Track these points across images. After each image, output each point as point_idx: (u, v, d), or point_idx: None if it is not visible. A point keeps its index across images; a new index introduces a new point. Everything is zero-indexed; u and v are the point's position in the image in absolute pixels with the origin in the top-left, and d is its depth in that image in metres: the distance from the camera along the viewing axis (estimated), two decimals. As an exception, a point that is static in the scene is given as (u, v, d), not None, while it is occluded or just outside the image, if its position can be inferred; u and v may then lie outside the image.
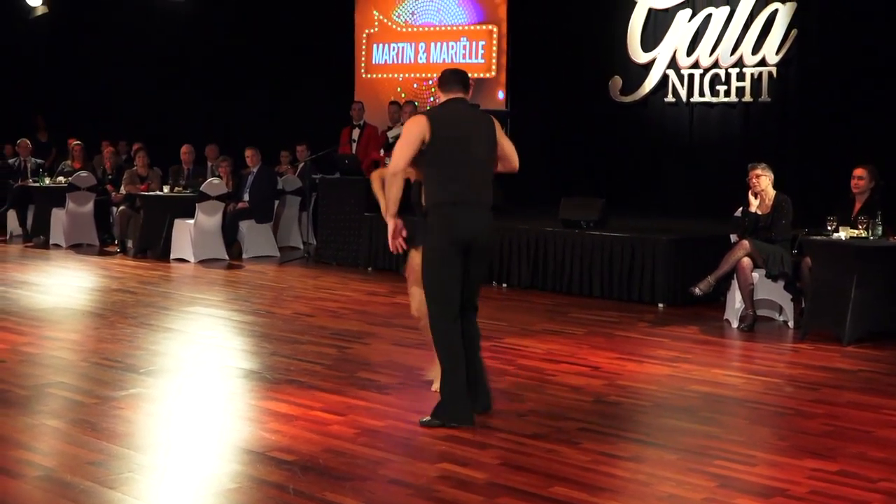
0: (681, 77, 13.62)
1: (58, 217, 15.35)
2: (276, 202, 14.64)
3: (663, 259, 10.57)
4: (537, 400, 6.72)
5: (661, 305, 10.51)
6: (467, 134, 6.24)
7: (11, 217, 16.21)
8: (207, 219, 13.67)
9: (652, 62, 13.84)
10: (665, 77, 13.75)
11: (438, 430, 5.96)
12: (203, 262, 13.42)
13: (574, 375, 7.44)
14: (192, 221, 13.59)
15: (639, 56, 13.95)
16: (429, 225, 6.18)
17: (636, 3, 13.91)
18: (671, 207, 13.39)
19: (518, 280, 11.64)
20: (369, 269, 12.98)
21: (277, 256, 14.16)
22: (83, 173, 15.44)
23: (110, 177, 15.79)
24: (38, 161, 17.21)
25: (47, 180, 15.90)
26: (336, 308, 10.17)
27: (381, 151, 14.54)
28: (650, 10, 13.85)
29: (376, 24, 16.75)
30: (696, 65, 13.49)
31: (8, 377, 7.17)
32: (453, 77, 6.41)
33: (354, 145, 14.72)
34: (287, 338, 8.60)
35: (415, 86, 16.36)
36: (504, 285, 11.74)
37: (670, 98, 13.75)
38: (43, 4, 18.79)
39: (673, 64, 13.69)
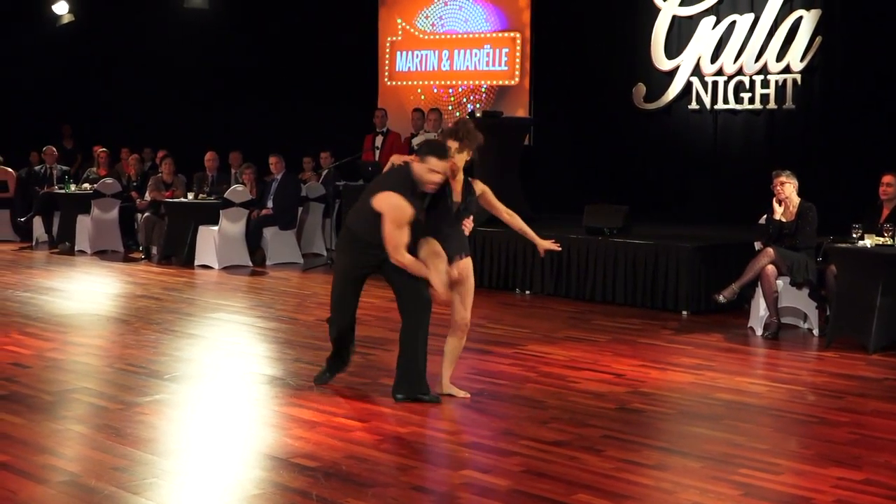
0: (705, 84, 13.60)
1: (83, 224, 15.43)
2: (300, 209, 14.67)
3: (687, 266, 10.54)
4: (560, 407, 6.70)
5: (684, 313, 10.48)
6: None
7: (37, 224, 16.32)
8: (231, 225, 13.72)
9: (676, 69, 13.81)
10: (689, 84, 13.73)
11: (461, 436, 5.96)
12: (227, 269, 13.46)
13: (597, 383, 7.42)
14: (216, 228, 13.64)
15: (662, 63, 13.92)
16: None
17: (660, 10, 13.90)
18: (695, 215, 13.36)
19: (541, 287, 11.63)
20: (392, 275, 12.95)
21: (301, 263, 14.19)
22: (108, 180, 15.53)
23: (135, 184, 15.87)
24: (64, 168, 17.32)
25: (73, 187, 16.00)
26: (359, 315, 10.11)
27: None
28: (674, 17, 13.83)
29: (400, 31, 16.79)
30: (720, 72, 13.46)
31: (33, 383, 7.21)
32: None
33: (378, 152, 14.75)
34: (310, 344, 8.61)
35: (435, 90, 16.37)
36: (527, 292, 11.73)
37: (694, 105, 13.72)
38: (69, 13, 18.91)
39: (697, 71, 13.66)
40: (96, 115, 19.79)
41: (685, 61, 13.73)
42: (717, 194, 13.53)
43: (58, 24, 18.99)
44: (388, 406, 6.67)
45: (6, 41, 19.47)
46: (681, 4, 13.75)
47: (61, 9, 18.85)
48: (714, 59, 13.48)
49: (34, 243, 16.29)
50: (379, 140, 14.87)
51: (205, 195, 14.26)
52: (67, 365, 7.86)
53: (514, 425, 6.26)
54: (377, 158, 14.56)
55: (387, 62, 16.92)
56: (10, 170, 17.08)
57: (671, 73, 13.88)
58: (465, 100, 16.07)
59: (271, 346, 8.70)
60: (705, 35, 13.53)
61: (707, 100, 13.57)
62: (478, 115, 13.69)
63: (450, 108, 16.01)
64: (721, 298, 9.48)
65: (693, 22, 13.69)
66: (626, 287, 10.95)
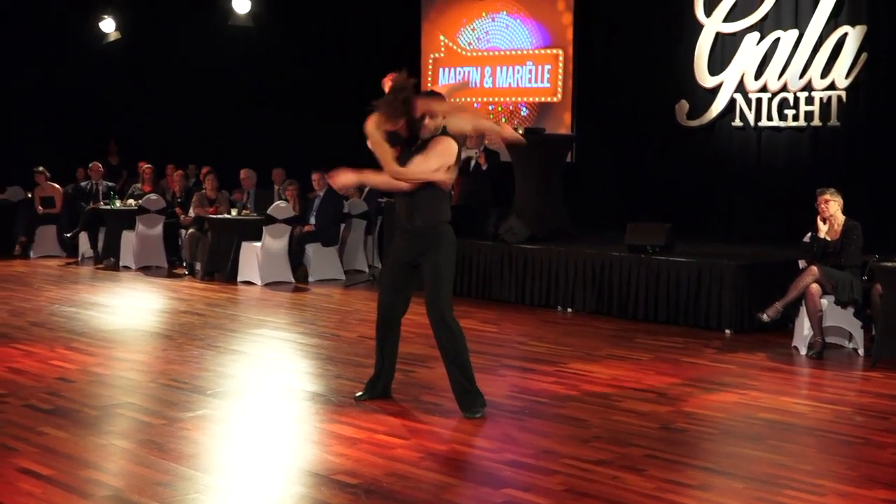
0: (748, 101, 13.53)
1: (128, 239, 15.57)
2: (342, 226, 14.72)
3: (730, 285, 10.47)
4: (602, 426, 6.68)
5: (728, 331, 10.41)
6: None
7: (83, 239, 16.48)
8: (274, 242, 13.78)
9: (719, 86, 13.75)
10: (732, 101, 13.66)
11: (503, 454, 5.95)
12: (269, 285, 13.52)
13: (639, 401, 7.39)
14: (259, 244, 13.72)
15: (706, 80, 13.87)
16: (447, 238, 6.97)
17: (703, 26, 13.85)
18: (738, 232, 13.28)
19: (583, 305, 11.60)
20: (434, 292, 12.97)
21: (343, 280, 14.23)
22: (153, 196, 15.66)
23: (179, 200, 15.99)
24: (110, 184, 17.49)
25: (118, 203, 16.14)
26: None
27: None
28: (717, 33, 13.78)
29: (442, 48, 16.84)
30: (763, 88, 13.39)
31: (78, 397, 7.28)
32: None
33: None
34: (352, 361, 8.63)
35: (477, 107, 16.37)
36: (569, 310, 11.70)
37: (738, 122, 13.65)
38: (115, 30, 19.13)
39: (740, 88, 13.59)
40: (142, 131, 19.99)
41: (729, 78, 13.67)
42: (761, 212, 13.44)
43: (104, 41, 19.21)
44: (429, 423, 6.67)
45: (54, 59, 19.73)
46: (724, 21, 13.69)
47: (108, 26, 19.08)
48: (758, 75, 13.41)
49: (80, 259, 16.45)
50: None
51: (248, 211, 14.35)
52: (112, 380, 7.93)
53: (555, 444, 6.24)
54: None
55: (429, 78, 16.97)
56: (56, 186, 17.26)
57: (714, 90, 13.82)
58: (505, 117, 16.08)
59: (313, 363, 8.73)
60: (749, 52, 13.47)
61: (751, 117, 13.50)
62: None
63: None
64: (765, 317, 9.42)
65: (737, 38, 13.62)
66: (669, 305, 10.90)
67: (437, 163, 6.85)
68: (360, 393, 7.30)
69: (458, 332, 6.92)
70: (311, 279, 14.11)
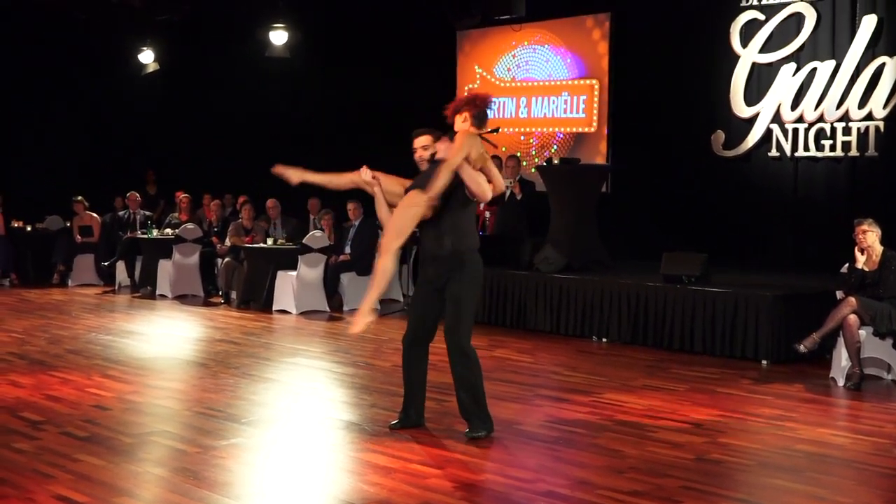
0: (785, 131, 13.46)
1: (164, 268, 15.68)
2: (377, 255, 14.72)
3: (767, 315, 10.40)
4: (637, 457, 6.63)
5: (764, 362, 10.33)
6: None
7: (120, 268, 16.62)
8: (309, 271, 13.84)
9: (755, 116, 13.70)
10: (769, 131, 13.60)
11: (537, 485, 5.92)
12: (304, 314, 13.56)
13: (675, 432, 7.34)
14: (294, 273, 13.77)
15: (742, 110, 13.82)
16: (474, 265, 7.12)
17: (739, 56, 13.81)
18: (775, 263, 13.19)
19: (618, 335, 11.56)
20: (469, 322, 12.96)
21: (378, 309, 14.23)
22: (189, 225, 15.77)
23: (216, 229, 16.10)
24: (147, 213, 17.64)
25: (155, 232, 16.27)
26: (435, 361, 10.13)
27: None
28: (754, 64, 13.73)
29: (478, 78, 16.88)
30: (800, 119, 13.32)
31: (114, 425, 7.31)
32: None
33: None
34: (386, 390, 8.63)
35: (506, 133, 16.40)
36: (604, 340, 11.65)
37: (774, 153, 13.58)
38: (154, 62, 19.32)
39: (777, 118, 13.53)
40: (179, 161, 20.15)
41: (765, 108, 13.61)
42: (798, 242, 13.36)
43: (143, 73, 19.42)
44: (463, 453, 6.66)
45: (93, 90, 19.98)
46: (761, 51, 13.65)
47: (147, 58, 19.28)
48: (795, 106, 13.34)
49: (117, 287, 16.58)
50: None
51: (283, 241, 14.42)
52: (147, 408, 7.97)
53: (590, 474, 6.20)
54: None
55: (464, 109, 16.99)
56: (94, 215, 17.43)
57: (751, 121, 13.76)
58: (538, 148, 16.09)
59: (348, 392, 8.73)
60: (785, 82, 13.42)
61: (787, 147, 13.43)
62: (555, 161, 13.70)
63: (528, 154, 16.02)
64: (802, 348, 9.34)
65: (773, 69, 13.57)
66: (705, 335, 10.84)
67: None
68: (394, 422, 7.33)
69: (474, 359, 7.14)
70: (345, 308, 14.15)
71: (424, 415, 7.39)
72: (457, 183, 7.00)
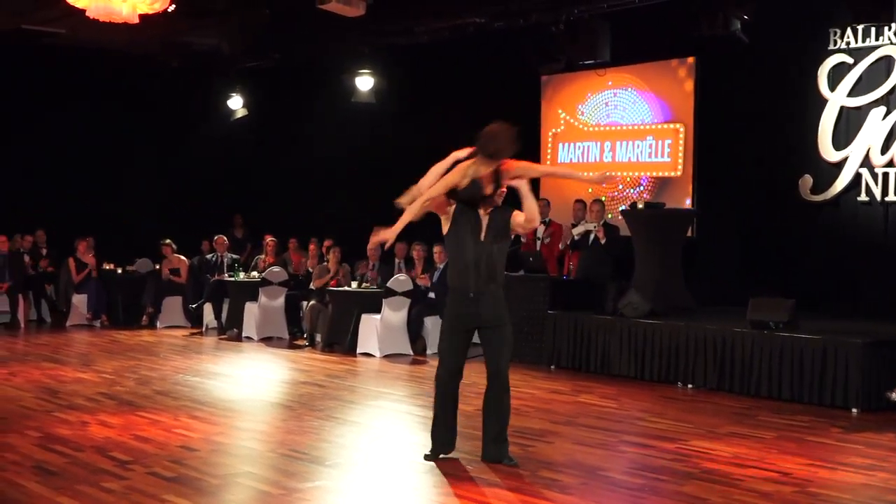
0: (874, 175, 13.26)
1: (250, 311, 15.87)
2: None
3: (857, 362, 10.21)
4: (724, 505, 6.54)
5: (854, 410, 10.14)
6: None
7: (208, 310, 16.85)
8: (393, 314, 13.91)
9: (844, 160, 13.52)
10: (858, 176, 13.41)
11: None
12: (388, 357, 13.62)
13: (763, 481, 7.22)
14: (378, 317, 13.85)
15: (830, 154, 13.65)
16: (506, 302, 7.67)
17: (827, 100, 13.67)
18: (865, 309, 12.96)
19: (703, 381, 11.43)
20: (552, 367, 12.94)
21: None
22: (275, 268, 15.96)
23: (301, 276, 16.29)
24: (234, 256, 17.89)
25: (242, 275, 16.49)
26: (518, 405, 10.14)
27: (561, 246, 14.64)
28: (842, 108, 13.58)
29: (562, 123, 16.91)
30: (890, 163, 13.12)
31: (200, 466, 7.40)
32: None
33: (538, 242, 14.80)
34: (469, 434, 8.60)
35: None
36: (689, 386, 11.53)
37: (863, 197, 13.39)
38: (243, 107, 19.67)
39: (866, 162, 13.35)
40: (266, 205, 20.43)
41: (854, 152, 13.44)
42: (889, 288, 13.10)
43: (232, 118, 19.76)
44: (547, 498, 6.61)
45: (183, 136, 20.36)
46: (849, 95, 13.50)
47: (236, 104, 19.64)
48: (884, 149, 13.15)
49: (204, 329, 16.80)
50: (541, 230, 14.94)
51: (367, 284, 14.52)
52: (233, 449, 8.05)
53: (676, 522, 6.12)
54: (538, 248, 14.62)
55: (549, 153, 17.02)
56: (183, 258, 17.72)
57: (839, 165, 13.59)
58: (622, 192, 16.04)
59: (428, 436, 8.72)
60: (875, 125, 13.24)
61: (877, 191, 13.23)
62: (640, 205, 13.64)
63: (612, 198, 15.98)
64: (894, 396, 9.16)
65: (861, 113, 13.41)
66: (793, 382, 10.67)
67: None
68: (427, 452, 7.72)
69: (509, 389, 7.68)
70: (429, 352, 14.17)
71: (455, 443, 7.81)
72: (502, 221, 7.53)
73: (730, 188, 14.78)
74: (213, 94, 19.86)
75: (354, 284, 14.62)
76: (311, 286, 15.48)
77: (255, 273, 16.51)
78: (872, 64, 13.29)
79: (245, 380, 11.88)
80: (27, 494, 6.52)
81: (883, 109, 13.20)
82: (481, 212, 7.62)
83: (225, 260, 17.62)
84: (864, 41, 13.34)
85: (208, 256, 17.88)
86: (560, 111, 16.93)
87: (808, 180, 13.85)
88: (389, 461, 7.71)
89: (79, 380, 11.43)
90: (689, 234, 14.29)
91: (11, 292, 17.11)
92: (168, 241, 17.68)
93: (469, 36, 15.94)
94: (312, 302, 15.15)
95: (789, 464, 7.80)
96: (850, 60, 13.45)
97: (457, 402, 7.76)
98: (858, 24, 13.20)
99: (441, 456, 7.66)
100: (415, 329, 14.23)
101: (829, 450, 8.42)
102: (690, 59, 15.31)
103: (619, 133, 16.19)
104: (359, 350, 14.02)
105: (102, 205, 19.62)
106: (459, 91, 17.63)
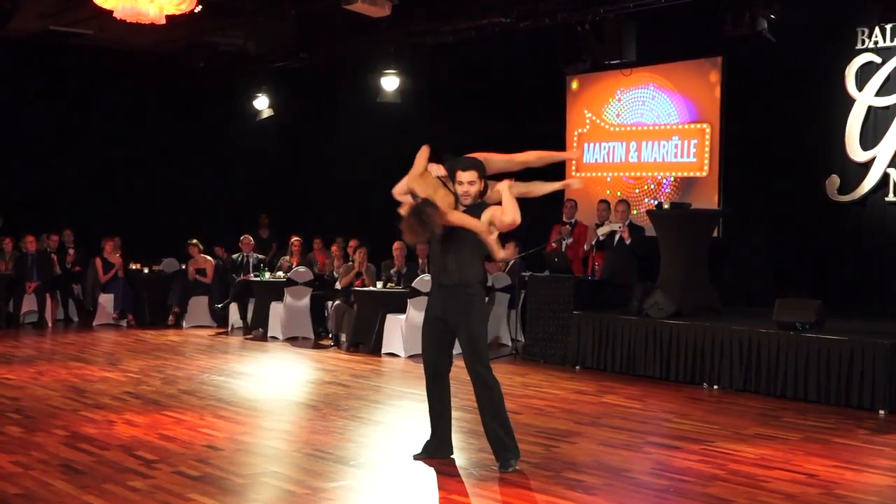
0: (903, 175, 13.19)
1: (276, 310, 15.92)
2: (486, 299, 14.74)
3: (884, 363, 10.14)
4: (749, 507, 6.51)
5: (882, 412, 10.07)
6: None
7: (233, 310, 16.92)
8: (418, 314, 13.89)
9: (871, 161, 13.44)
10: (885, 176, 13.33)
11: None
12: (413, 357, 13.61)
13: (789, 483, 7.18)
14: (403, 317, 13.86)
15: (857, 154, 13.57)
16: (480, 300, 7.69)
17: (855, 100, 13.59)
18: (892, 310, 12.87)
19: (729, 382, 11.38)
20: (577, 367, 12.92)
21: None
22: (301, 268, 16.00)
23: (326, 276, 16.32)
24: (260, 256, 17.94)
25: (267, 275, 16.54)
26: (543, 406, 10.13)
27: (586, 246, 14.62)
28: (870, 107, 13.49)
29: (587, 123, 16.87)
30: (918, 163, 13.05)
31: (226, 465, 7.42)
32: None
33: (564, 243, 14.78)
34: (494, 434, 8.60)
35: (624, 180, 16.33)
36: (715, 387, 11.48)
37: (891, 197, 13.30)
38: (269, 107, 19.74)
39: (894, 162, 13.26)
40: (291, 205, 20.49)
41: (882, 152, 13.35)
42: (917, 289, 13.04)
43: (258, 118, 19.83)
44: (570, 499, 6.60)
45: (209, 136, 20.44)
46: (877, 94, 13.41)
47: (262, 104, 19.71)
48: (913, 150, 13.08)
49: (230, 329, 16.87)
50: (566, 230, 14.93)
51: (393, 284, 14.53)
52: (258, 448, 8.07)
53: (701, 524, 6.10)
54: (563, 249, 14.60)
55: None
56: (209, 258, 17.78)
57: (867, 165, 13.51)
58: (647, 192, 15.99)
59: (455, 436, 8.69)
60: (903, 125, 13.17)
61: (905, 191, 13.16)
62: (666, 205, 13.60)
63: (636, 199, 15.94)
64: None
65: (889, 112, 13.32)
66: (819, 384, 10.61)
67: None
68: (417, 452, 7.72)
69: (495, 387, 7.59)
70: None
71: (452, 444, 7.82)
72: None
73: (756, 188, 14.72)
74: (240, 94, 19.96)
75: (380, 284, 14.63)
76: (337, 286, 15.51)
77: (280, 273, 16.55)
78: (901, 63, 13.23)
79: (270, 379, 11.91)
80: (54, 493, 6.56)
81: (911, 109, 13.12)
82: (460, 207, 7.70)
83: (251, 260, 17.68)
84: (892, 40, 13.25)
85: (234, 256, 17.94)
86: (586, 111, 16.90)
87: (835, 180, 13.77)
88: (414, 461, 7.71)
89: (105, 379, 11.49)
90: (715, 234, 14.23)
91: (39, 292, 17.21)
92: (195, 241, 17.75)
93: (495, 35, 15.95)
94: (338, 302, 15.17)
95: (815, 465, 7.76)
96: (878, 60, 13.37)
97: (442, 405, 7.91)
98: (886, 24, 13.12)
99: (426, 457, 7.71)
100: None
101: (855, 451, 8.37)
102: (717, 59, 15.24)
103: (644, 133, 16.14)
104: (384, 350, 14.04)
105: (129, 205, 19.73)
106: (485, 91, 17.63)
